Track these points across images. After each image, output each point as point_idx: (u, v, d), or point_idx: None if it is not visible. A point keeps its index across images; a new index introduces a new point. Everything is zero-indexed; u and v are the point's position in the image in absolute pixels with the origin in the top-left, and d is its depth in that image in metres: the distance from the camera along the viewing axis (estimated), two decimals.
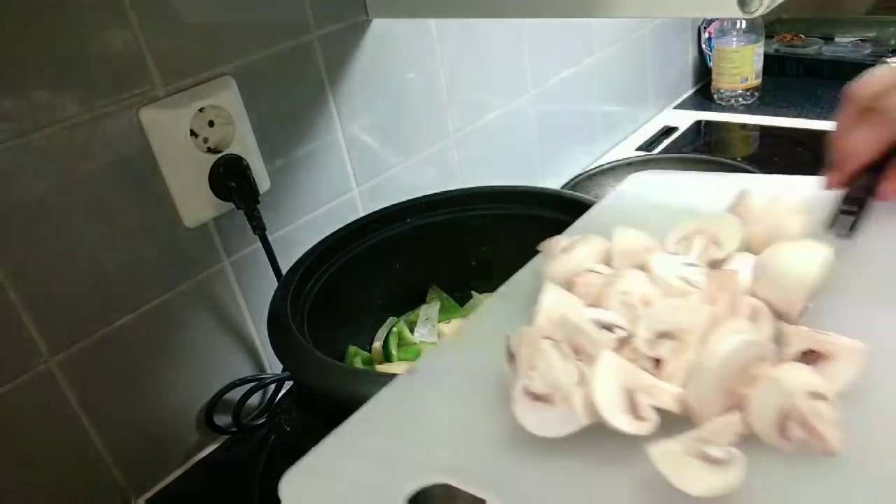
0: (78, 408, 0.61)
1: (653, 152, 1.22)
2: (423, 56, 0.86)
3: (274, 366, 0.77)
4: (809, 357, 0.35)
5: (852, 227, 0.44)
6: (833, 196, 0.46)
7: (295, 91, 0.73)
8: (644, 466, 0.30)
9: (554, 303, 0.39)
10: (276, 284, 0.60)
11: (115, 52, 0.58)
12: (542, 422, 0.34)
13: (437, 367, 0.42)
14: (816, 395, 0.31)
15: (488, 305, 0.48)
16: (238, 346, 0.74)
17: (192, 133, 0.63)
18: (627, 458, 0.32)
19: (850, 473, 0.30)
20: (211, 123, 0.64)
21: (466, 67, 0.92)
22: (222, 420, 0.72)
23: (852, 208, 0.44)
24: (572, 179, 1.09)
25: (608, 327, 0.37)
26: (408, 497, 0.33)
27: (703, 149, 1.25)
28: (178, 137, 0.62)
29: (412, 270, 0.72)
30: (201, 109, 0.63)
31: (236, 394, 0.72)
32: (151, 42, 0.59)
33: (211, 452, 0.72)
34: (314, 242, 0.65)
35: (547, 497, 0.32)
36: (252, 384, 0.73)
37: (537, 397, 0.34)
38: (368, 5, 0.76)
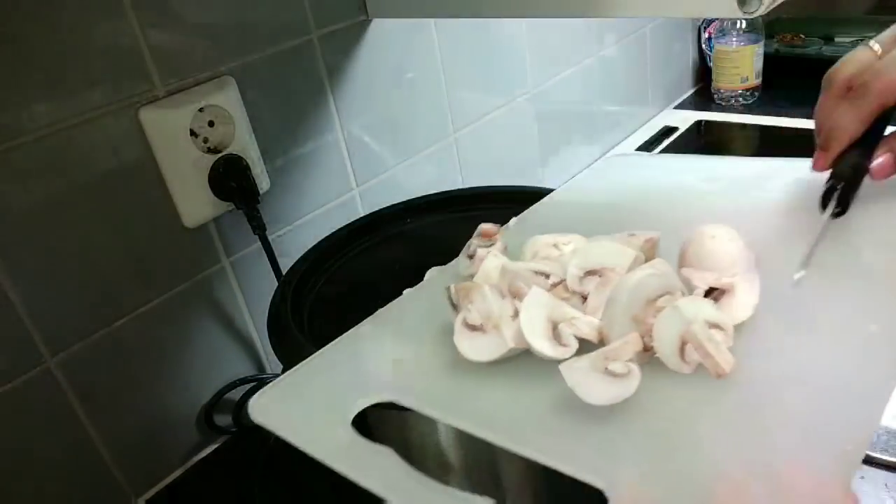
0: (78, 408, 0.61)
1: (653, 152, 1.22)
2: (423, 56, 0.86)
3: (274, 366, 0.77)
4: (715, 295, 0.38)
5: (841, 204, 0.44)
6: (823, 177, 0.46)
7: (295, 91, 0.73)
8: (561, 385, 0.34)
9: (493, 268, 0.44)
10: (276, 284, 0.60)
11: (115, 51, 0.58)
12: (474, 347, 0.39)
13: (396, 314, 0.48)
14: (713, 325, 0.35)
15: (447, 266, 0.52)
16: (238, 346, 0.74)
17: (192, 133, 0.63)
18: (549, 378, 0.36)
19: (729, 392, 0.34)
20: (211, 123, 0.64)
21: (466, 67, 0.92)
22: (222, 420, 0.72)
23: (840, 186, 0.44)
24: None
25: (545, 275, 0.42)
26: (358, 411, 0.38)
27: (703, 149, 1.25)
28: (178, 137, 0.62)
29: (412, 270, 0.72)
30: (201, 109, 0.63)
31: (236, 394, 0.72)
32: (151, 42, 0.59)
33: (211, 452, 0.72)
34: (314, 242, 0.65)
35: (476, 408, 0.37)
36: (252, 384, 0.73)
37: (473, 327, 0.39)
38: (368, 5, 0.76)
